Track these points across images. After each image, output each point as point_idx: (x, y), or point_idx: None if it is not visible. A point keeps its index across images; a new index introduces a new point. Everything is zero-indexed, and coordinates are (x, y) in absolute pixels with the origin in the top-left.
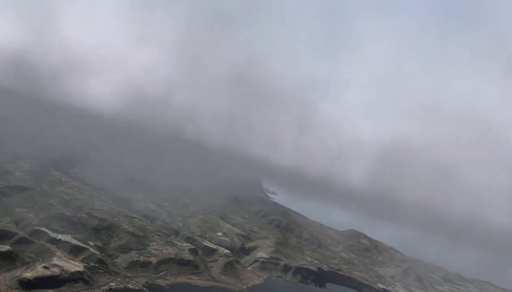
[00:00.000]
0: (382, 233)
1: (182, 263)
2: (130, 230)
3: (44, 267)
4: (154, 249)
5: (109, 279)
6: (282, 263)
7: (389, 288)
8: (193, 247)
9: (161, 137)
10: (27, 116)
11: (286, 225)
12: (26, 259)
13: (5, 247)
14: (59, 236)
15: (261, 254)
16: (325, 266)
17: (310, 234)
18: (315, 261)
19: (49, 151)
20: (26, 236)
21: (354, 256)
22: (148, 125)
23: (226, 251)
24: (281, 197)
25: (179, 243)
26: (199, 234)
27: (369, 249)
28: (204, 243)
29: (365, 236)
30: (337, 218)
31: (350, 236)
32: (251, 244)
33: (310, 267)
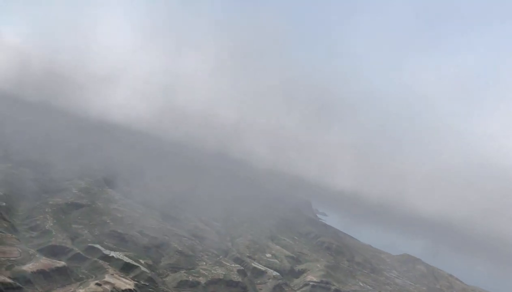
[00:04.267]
0: (443, 261)
1: (230, 284)
2: (180, 249)
3: (97, 284)
4: (203, 269)
5: None
6: (333, 287)
7: None
8: (242, 268)
9: (207, 155)
10: (74, 133)
11: (337, 248)
12: (80, 275)
13: (61, 263)
14: (112, 253)
15: (311, 277)
16: None
17: (362, 258)
18: (368, 286)
19: (102, 169)
20: (81, 252)
21: (409, 282)
22: (193, 143)
23: (275, 273)
24: (331, 219)
25: (228, 264)
26: (248, 254)
27: (426, 275)
28: (253, 264)
29: (422, 262)
30: (390, 243)
31: (404, 261)
32: (301, 266)
33: None
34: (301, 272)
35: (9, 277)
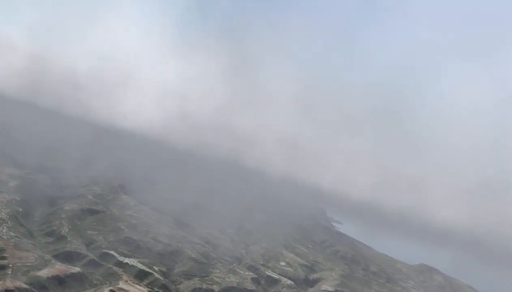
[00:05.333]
0: (463, 272)
1: None
2: (194, 256)
3: (111, 290)
4: (216, 277)
5: None
6: None
7: None
8: (256, 276)
9: (220, 163)
10: (88, 140)
11: (352, 257)
12: (95, 281)
13: (76, 269)
14: (126, 260)
15: (326, 286)
16: None
17: (378, 267)
18: None
19: (116, 175)
20: (96, 259)
21: None
22: (206, 150)
23: (289, 281)
24: (346, 227)
25: (242, 272)
26: (261, 262)
27: (443, 286)
28: (266, 272)
29: (438, 272)
30: (407, 252)
31: (421, 271)
32: (315, 275)
33: None
34: (316, 281)
35: (25, 283)
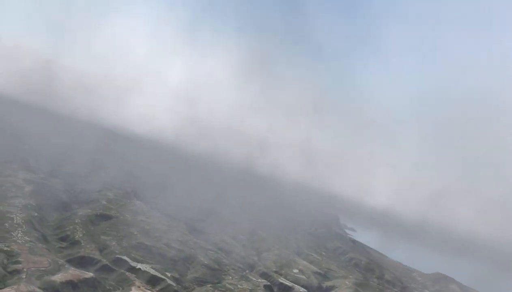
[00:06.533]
0: (482, 283)
1: None
2: (206, 262)
3: None
4: (229, 284)
5: None
6: None
7: None
8: (268, 283)
9: (233, 168)
10: (100, 144)
11: (366, 265)
12: (107, 287)
13: (89, 274)
14: (139, 265)
15: None
16: None
17: (392, 275)
18: None
19: (129, 180)
20: (109, 264)
21: None
22: (219, 156)
23: (302, 289)
24: (360, 235)
25: (254, 279)
26: (274, 270)
27: None
28: (279, 280)
29: (454, 281)
30: (422, 261)
31: (437, 280)
32: (329, 283)
33: None
34: (329, 289)
35: (39, 287)
